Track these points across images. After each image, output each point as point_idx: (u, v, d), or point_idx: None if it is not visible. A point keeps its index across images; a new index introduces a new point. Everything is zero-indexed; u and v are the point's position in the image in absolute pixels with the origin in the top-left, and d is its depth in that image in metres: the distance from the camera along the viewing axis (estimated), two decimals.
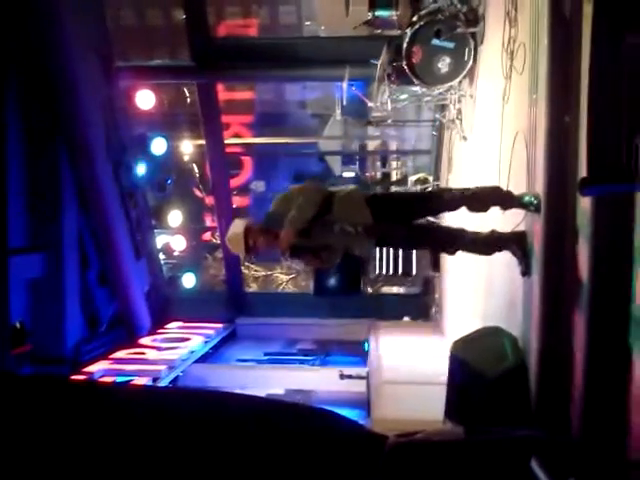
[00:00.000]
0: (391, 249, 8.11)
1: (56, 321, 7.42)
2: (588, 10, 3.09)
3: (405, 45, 6.05)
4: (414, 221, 4.28)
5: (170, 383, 7.24)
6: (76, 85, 7.27)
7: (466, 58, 5.99)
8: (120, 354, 7.82)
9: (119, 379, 7.05)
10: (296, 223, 3.90)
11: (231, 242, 3.98)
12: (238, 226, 3.97)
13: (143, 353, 7.90)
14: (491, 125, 5.37)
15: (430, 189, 7.76)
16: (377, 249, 8.20)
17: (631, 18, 2.72)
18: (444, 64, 6.07)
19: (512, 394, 3.74)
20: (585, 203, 3.22)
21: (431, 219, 5.18)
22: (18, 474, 2.47)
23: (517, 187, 4.28)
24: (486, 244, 4.11)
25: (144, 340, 8.46)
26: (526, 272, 3.92)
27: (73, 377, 6.69)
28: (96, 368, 7.22)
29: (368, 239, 3.97)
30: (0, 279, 5.91)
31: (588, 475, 2.91)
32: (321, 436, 2.78)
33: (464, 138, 6.63)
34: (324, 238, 3.92)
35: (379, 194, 4.46)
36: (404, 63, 6.10)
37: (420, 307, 9.32)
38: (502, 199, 4.10)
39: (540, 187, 3.70)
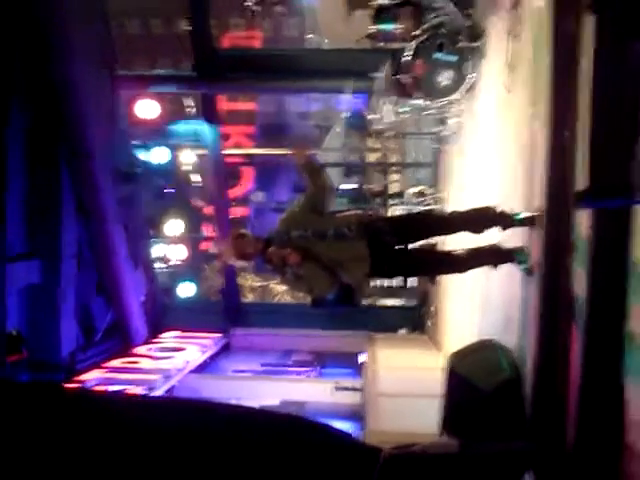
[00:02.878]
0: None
1: (52, 329, 7.37)
2: (590, 23, 3.10)
3: (408, 58, 6.08)
4: (410, 243, 4.29)
5: (165, 393, 7.19)
6: (78, 94, 7.27)
7: (468, 72, 6.02)
8: (115, 363, 7.78)
9: (113, 388, 7.00)
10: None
11: (225, 251, 4.16)
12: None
13: (138, 362, 7.86)
14: (491, 138, 5.38)
15: (421, 212, 7.70)
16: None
17: (633, 28, 2.73)
18: (446, 77, 6.10)
19: (507, 407, 3.71)
20: (582, 217, 3.21)
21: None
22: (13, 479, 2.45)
23: (517, 201, 4.28)
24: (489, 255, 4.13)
25: (139, 349, 8.42)
26: (529, 272, 3.89)
27: (66, 385, 6.65)
28: (90, 377, 7.17)
29: (362, 241, 3.92)
30: None
31: None
32: (315, 448, 2.76)
33: (464, 152, 6.64)
34: (314, 246, 3.88)
35: (374, 218, 4.45)
36: (406, 76, 6.13)
37: (416, 320, 9.29)
38: (496, 220, 4.10)
39: (538, 201, 3.70)
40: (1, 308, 6.02)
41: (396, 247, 4.11)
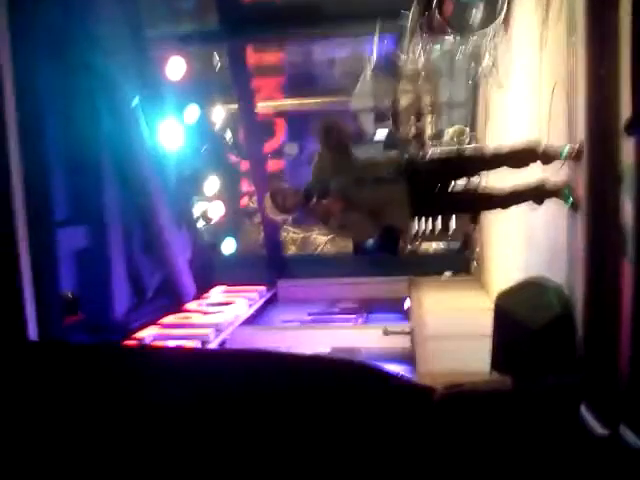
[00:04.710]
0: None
1: (104, 291, 7.59)
2: None
3: None
4: (451, 182, 4.28)
5: (218, 346, 7.40)
6: (108, 56, 7.30)
7: (500, 5, 5.84)
8: (168, 319, 8.01)
9: (169, 343, 7.23)
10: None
11: (266, 206, 4.14)
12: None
13: (190, 318, 8.08)
14: (528, 73, 5.26)
15: (465, 151, 7.61)
16: None
17: None
18: (477, 13, 5.93)
19: (558, 343, 3.73)
20: (628, 148, 3.16)
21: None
22: (80, 439, 2.60)
23: (557, 135, 4.21)
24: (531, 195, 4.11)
25: (190, 305, 8.64)
26: (574, 207, 3.86)
27: (125, 343, 6.90)
28: (146, 334, 7.41)
29: (401, 183, 3.93)
30: (49, 250, 6.04)
31: (638, 420, 2.93)
32: (370, 390, 2.85)
33: (500, 88, 6.49)
34: (355, 193, 3.91)
35: (413, 159, 4.43)
36: (436, 13, 5.98)
37: (461, 262, 9.26)
38: (540, 155, 4.04)
39: (581, 135, 3.64)
40: (55, 271, 6.18)
41: (437, 186, 4.10)
